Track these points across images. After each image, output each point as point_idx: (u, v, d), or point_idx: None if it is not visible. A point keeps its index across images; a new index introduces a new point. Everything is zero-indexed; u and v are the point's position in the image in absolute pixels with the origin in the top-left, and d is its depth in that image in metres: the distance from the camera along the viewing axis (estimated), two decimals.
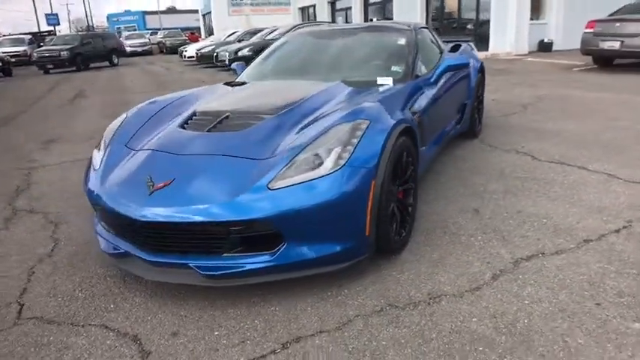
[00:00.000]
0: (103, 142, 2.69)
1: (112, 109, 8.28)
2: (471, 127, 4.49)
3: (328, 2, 24.02)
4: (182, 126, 2.62)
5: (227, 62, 13.85)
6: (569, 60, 11.12)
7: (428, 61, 3.58)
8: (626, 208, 2.88)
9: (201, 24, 40.52)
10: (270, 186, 2.01)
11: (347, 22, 21.67)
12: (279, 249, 2.03)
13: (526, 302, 2.02)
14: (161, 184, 2.12)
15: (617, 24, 8.77)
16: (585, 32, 9.37)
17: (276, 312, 2.07)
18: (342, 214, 2.05)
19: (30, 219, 3.34)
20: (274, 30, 15.10)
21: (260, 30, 17.18)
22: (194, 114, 2.73)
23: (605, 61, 9.71)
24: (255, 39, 15.30)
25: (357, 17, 20.95)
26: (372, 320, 1.96)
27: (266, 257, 2.04)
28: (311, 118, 2.49)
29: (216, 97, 3.12)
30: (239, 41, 16.91)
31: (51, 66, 18.12)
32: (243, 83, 3.46)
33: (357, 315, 2.01)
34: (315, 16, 25.69)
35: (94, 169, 2.50)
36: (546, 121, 5.31)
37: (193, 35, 37.14)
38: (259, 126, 2.44)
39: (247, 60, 13.07)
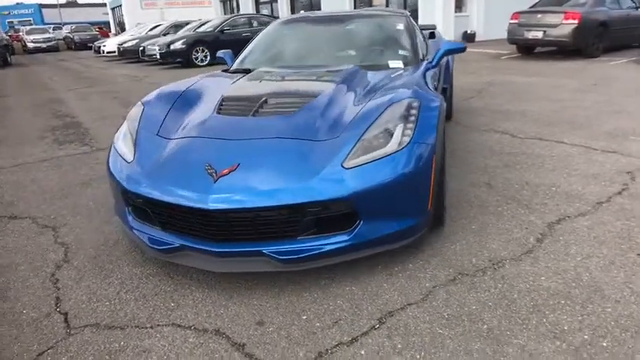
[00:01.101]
0: (128, 133, 2.48)
1: (47, 107, 7.56)
2: (449, 111, 4.73)
3: None
4: (217, 112, 2.49)
5: (158, 56, 13.19)
6: (494, 49, 12.00)
7: (422, 46, 3.72)
8: (615, 173, 3.22)
9: (110, 18, 37.97)
10: (344, 165, 2.00)
11: (272, 15, 21.44)
12: (356, 227, 2.03)
13: (578, 259, 2.21)
14: (226, 171, 2.02)
15: (539, 15, 9.61)
16: (511, 23, 10.16)
17: (354, 291, 2.07)
18: (412, 189, 2.10)
19: (18, 225, 3.00)
20: (205, 22, 14.59)
21: (187, 23, 16.54)
22: (223, 100, 2.61)
23: (528, 50, 10.62)
24: (184, 32, 14.68)
25: (283, 10, 20.83)
26: (451, 288, 2.04)
27: (344, 237, 2.03)
28: (354, 99, 2.50)
29: (235, 83, 2.98)
30: (164, 35, 16.14)
31: None
32: (248, 70, 3.34)
33: (434, 285, 2.07)
34: (238, 9, 25.13)
35: (127, 162, 2.30)
36: (504, 103, 5.72)
37: (102, 30, 34.67)
38: (306, 109, 2.39)
39: (181, 53, 12.71)
